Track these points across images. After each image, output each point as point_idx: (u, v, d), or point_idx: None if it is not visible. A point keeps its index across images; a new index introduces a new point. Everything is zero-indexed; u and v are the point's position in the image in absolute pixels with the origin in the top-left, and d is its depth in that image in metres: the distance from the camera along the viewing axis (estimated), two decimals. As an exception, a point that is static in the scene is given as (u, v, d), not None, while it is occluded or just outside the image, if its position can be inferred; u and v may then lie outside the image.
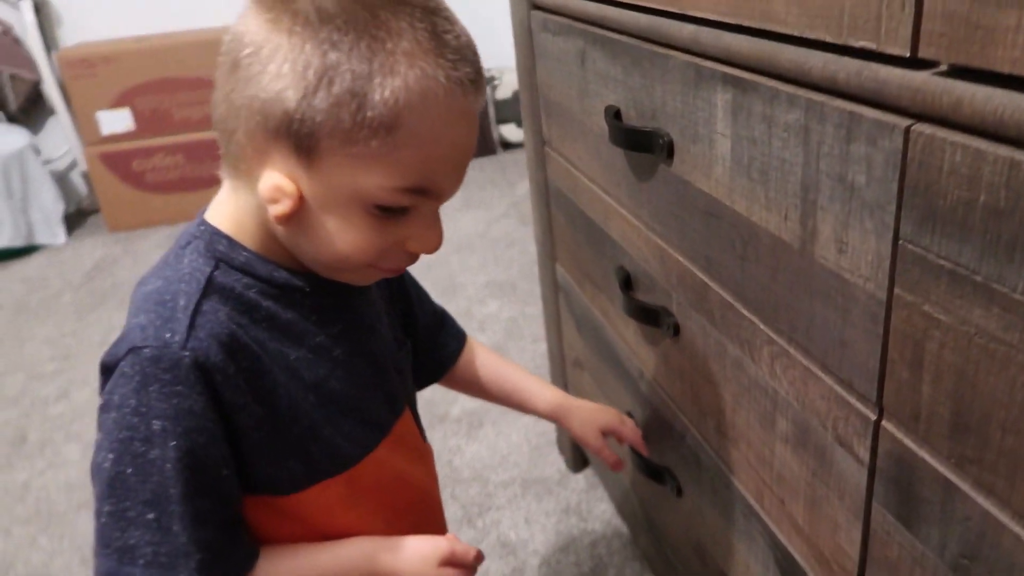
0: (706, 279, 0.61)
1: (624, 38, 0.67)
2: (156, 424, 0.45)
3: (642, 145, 0.65)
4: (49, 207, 2.43)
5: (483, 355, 0.76)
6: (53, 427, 1.53)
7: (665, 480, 0.80)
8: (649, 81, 0.64)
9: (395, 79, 0.43)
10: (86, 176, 2.65)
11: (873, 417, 0.44)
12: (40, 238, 2.41)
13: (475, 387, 0.76)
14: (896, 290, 0.40)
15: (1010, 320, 0.33)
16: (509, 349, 1.60)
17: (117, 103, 2.37)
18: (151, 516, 0.46)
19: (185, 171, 2.46)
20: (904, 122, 0.37)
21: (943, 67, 0.35)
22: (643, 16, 0.63)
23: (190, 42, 2.39)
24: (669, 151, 0.62)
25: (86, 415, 1.56)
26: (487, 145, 2.79)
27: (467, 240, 2.16)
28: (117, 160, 2.42)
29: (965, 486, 0.38)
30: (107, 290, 2.11)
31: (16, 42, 2.51)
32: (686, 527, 0.80)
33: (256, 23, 0.44)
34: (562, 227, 1.01)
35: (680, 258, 0.65)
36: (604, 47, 0.72)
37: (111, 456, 0.46)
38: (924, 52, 0.34)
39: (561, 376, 1.20)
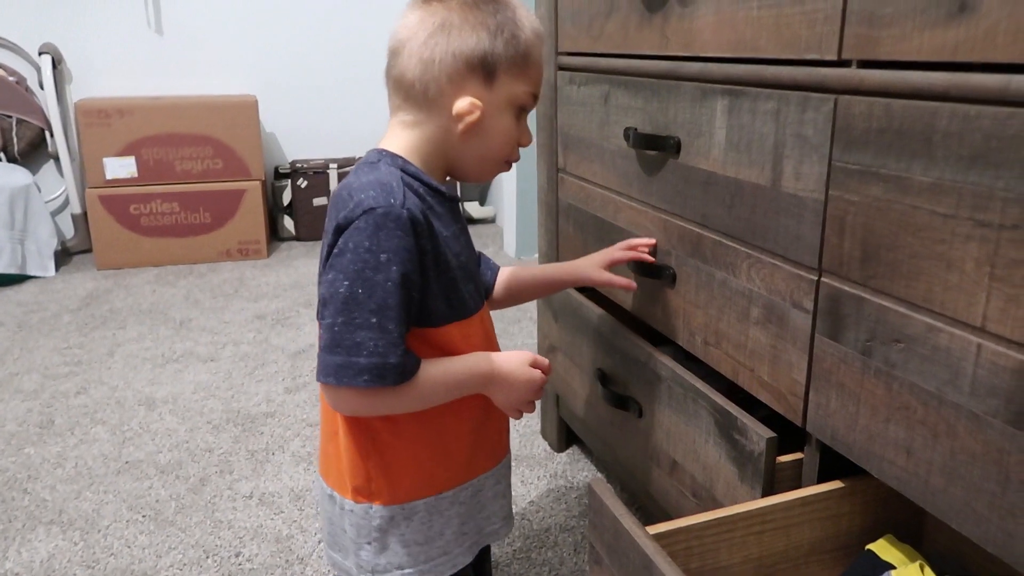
0: (701, 231, 0.92)
1: (645, 79, 1.00)
2: (383, 256, 0.70)
3: (656, 145, 0.97)
4: (44, 241, 2.59)
5: (510, 272, 1.00)
6: (78, 414, 1.68)
7: (630, 406, 1.08)
8: (664, 104, 0.97)
9: (523, 29, 0.77)
10: (75, 219, 2.82)
11: (815, 278, 0.74)
12: (32, 269, 2.56)
13: (513, 299, 1.00)
14: (830, 192, 0.71)
15: (888, 186, 0.64)
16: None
17: (124, 151, 2.60)
18: (374, 320, 0.69)
19: (179, 218, 2.68)
20: (834, 96, 0.69)
21: (854, 64, 0.67)
22: (663, 62, 0.96)
23: (199, 104, 2.67)
24: (677, 148, 0.94)
25: (108, 407, 1.71)
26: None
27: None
28: (116, 203, 2.62)
29: (868, 294, 0.68)
30: (106, 314, 2.26)
31: (28, 91, 2.73)
32: (644, 443, 1.07)
33: (446, 8, 0.75)
34: (568, 235, 1.31)
35: (680, 223, 0.96)
36: (627, 87, 1.05)
37: (346, 282, 0.69)
38: (845, 55, 0.67)
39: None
